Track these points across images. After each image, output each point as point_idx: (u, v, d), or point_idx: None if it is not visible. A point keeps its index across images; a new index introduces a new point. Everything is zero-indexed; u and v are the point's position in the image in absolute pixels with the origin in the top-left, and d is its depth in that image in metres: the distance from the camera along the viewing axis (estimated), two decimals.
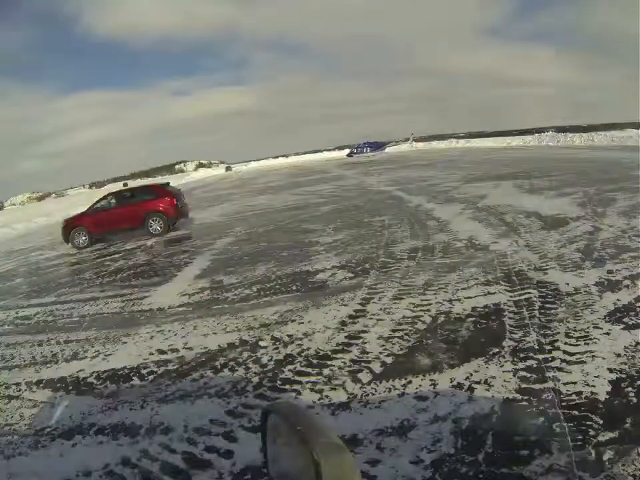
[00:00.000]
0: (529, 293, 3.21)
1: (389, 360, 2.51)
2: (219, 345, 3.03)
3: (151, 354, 3.06)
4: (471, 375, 2.25)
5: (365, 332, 2.90)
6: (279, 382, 2.44)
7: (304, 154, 60.28)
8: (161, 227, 8.74)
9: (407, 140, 41.21)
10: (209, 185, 28.96)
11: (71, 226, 8.87)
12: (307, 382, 2.39)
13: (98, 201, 9.24)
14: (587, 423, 1.79)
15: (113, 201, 9.21)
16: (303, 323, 3.22)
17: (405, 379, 2.29)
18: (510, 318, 2.84)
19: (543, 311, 2.88)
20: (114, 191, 10.10)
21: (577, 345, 2.40)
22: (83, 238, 8.69)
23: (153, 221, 8.73)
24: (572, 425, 1.78)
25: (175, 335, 3.35)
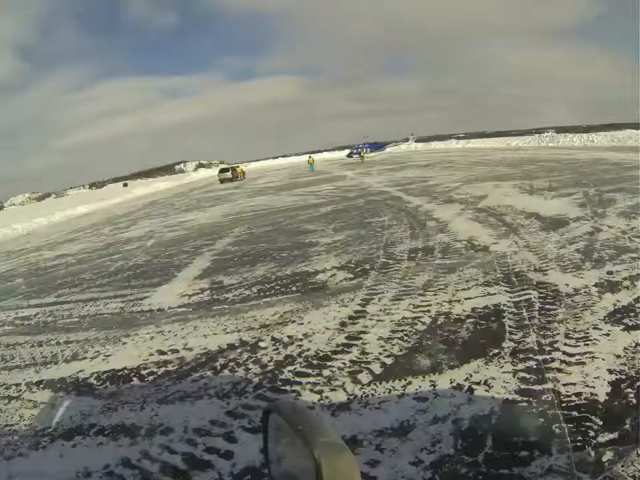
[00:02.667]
0: (529, 294, 3.21)
1: (388, 361, 2.51)
2: (219, 346, 3.03)
3: (151, 354, 3.07)
4: (471, 375, 2.25)
5: (364, 333, 2.90)
6: (278, 382, 2.44)
7: (303, 154, 60.31)
8: None
9: (406, 140, 41.16)
10: (210, 184, 28.90)
11: None
12: (307, 383, 2.39)
13: None
14: (587, 424, 1.79)
15: None
16: (302, 323, 3.22)
17: (405, 379, 2.29)
18: (510, 319, 2.84)
19: (542, 312, 2.88)
20: None
21: (576, 346, 2.40)
22: None
23: None
24: (571, 425, 1.78)
25: (175, 335, 3.35)
